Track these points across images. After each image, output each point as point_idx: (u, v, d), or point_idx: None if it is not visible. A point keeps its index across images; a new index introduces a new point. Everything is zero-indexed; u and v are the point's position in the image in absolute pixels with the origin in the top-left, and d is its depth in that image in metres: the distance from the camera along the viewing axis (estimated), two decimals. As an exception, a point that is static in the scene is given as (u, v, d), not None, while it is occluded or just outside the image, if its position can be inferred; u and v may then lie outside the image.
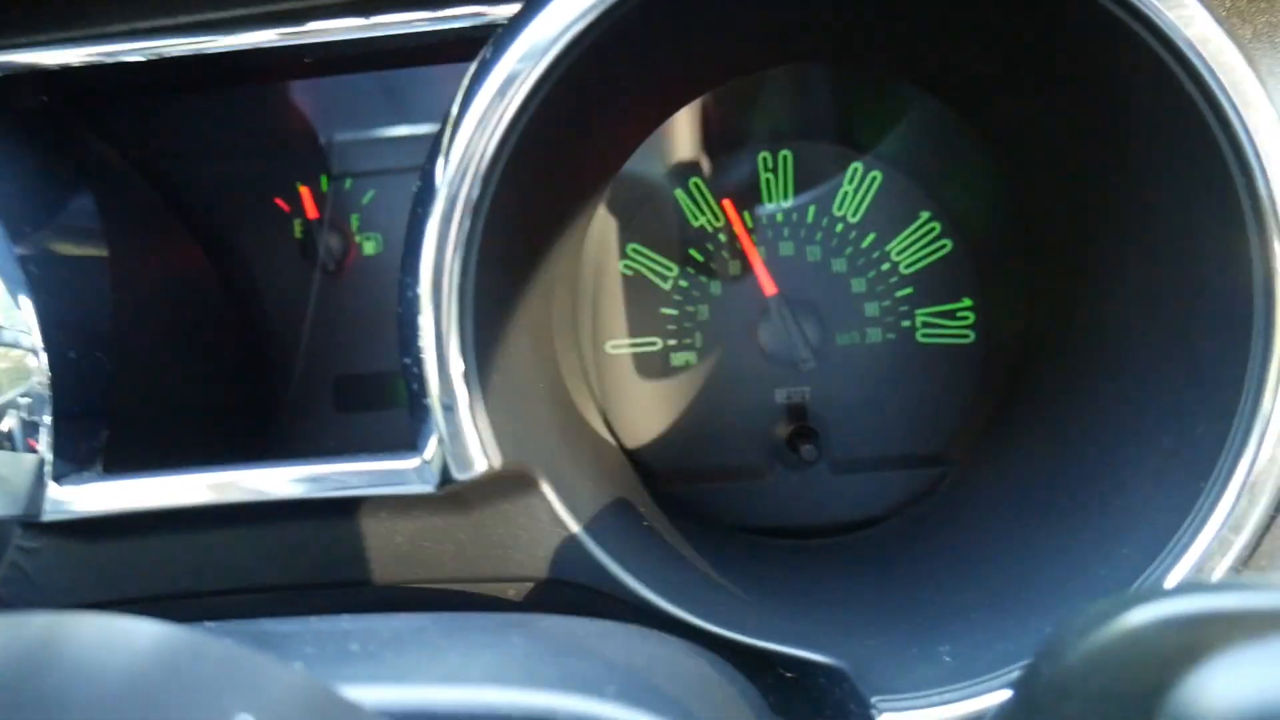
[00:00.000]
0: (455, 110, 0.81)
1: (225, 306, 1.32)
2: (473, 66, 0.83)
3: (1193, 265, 0.87)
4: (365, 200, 1.35)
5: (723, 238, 1.32)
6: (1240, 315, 0.79)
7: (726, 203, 1.31)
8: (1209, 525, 0.76)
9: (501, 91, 0.80)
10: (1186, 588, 0.49)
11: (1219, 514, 0.76)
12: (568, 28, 0.80)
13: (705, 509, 1.31)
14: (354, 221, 1.36)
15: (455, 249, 0.80)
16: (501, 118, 0.80)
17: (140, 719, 0.38)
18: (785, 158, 1.32)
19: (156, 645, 0.44)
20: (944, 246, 1.31)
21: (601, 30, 0.81)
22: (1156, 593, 0.50)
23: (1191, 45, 0.77)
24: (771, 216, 1.32)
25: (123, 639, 0.44)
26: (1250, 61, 0.77)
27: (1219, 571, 0.76)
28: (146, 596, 0.91)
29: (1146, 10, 0.77)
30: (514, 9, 0.84)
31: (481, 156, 0.80)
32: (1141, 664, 0.50)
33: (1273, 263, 0.77)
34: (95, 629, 0.44)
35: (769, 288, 1.28)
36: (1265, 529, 0.76)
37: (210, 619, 0.83)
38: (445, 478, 0.81)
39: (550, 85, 0.81)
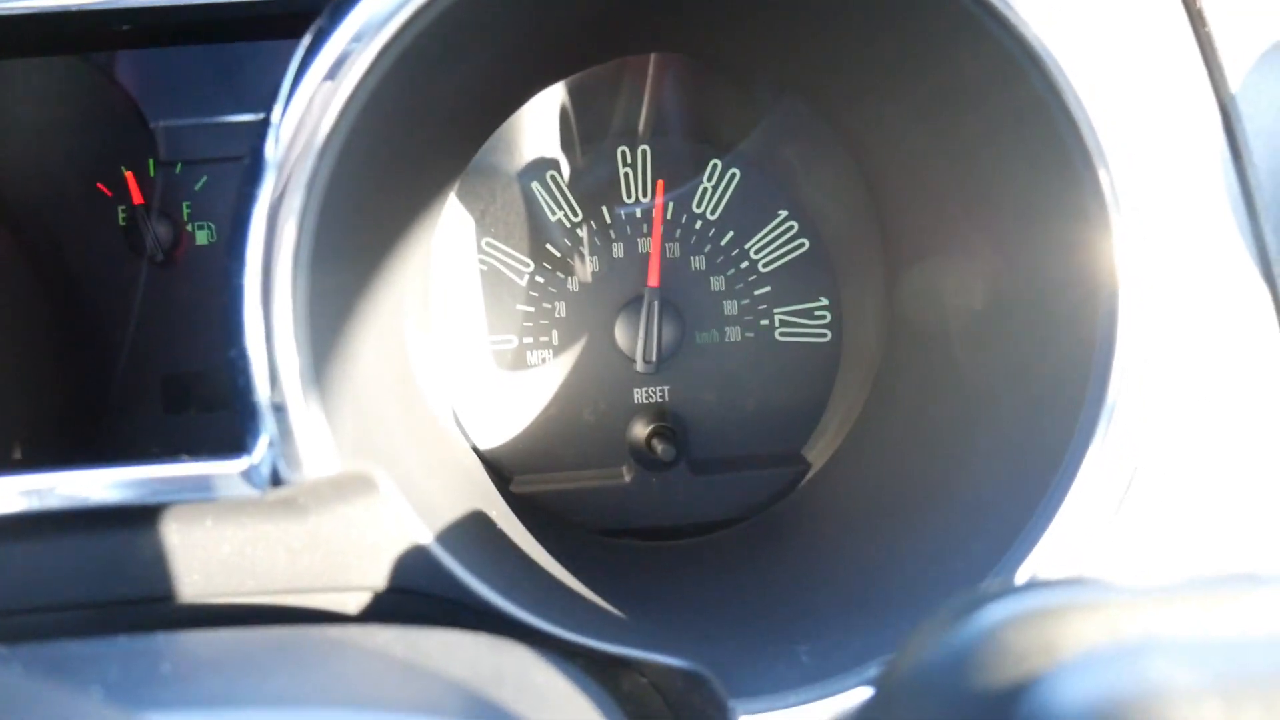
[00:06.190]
0: (285, 89, 0.75)
1: (42, 300, 1.21)
2: (304, 43, 0.77)
3: (1041, 263, 0.88)
4: (198, 187, 1.26)
5: (580, 233, 1.29)
6: (1086, 309, 0.80)
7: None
8: (1058, 517, 0.77)
9: (333, 71, 0.75)
10: (1040, 584, 0.48)
11: (1067, 505, 0.77)
12: (403, 4, 0.75)
13: (561, 511, 1.27)
14: (185, 210, 1.27)
15: (288, 232, 0.74)
16: (333, 98, 0.75)
17: None
18: (644, 152, 1.30)
19: None
20: (801, 245, 1.31)
21: (442, 8, 0.76)
22: (1011, 590, 0.49)
23: (1042, 43, 0.78)
24: (630, 212, 1.30)
25: None
26: (1094, 62, 0.78)
27: (1067, 561, 0.77)
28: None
29: (1000, 8, 0.78)
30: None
31: (313, 137, 0.75)
32: (998, 662, 0.48)
33: (1114, 257, 0.79)
34: None
35: (654, 278, 1.26)
36: (1113, 517, 0.77)
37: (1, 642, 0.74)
38: (275, 481, 0.75)
39: (386, 65, 0.76)
